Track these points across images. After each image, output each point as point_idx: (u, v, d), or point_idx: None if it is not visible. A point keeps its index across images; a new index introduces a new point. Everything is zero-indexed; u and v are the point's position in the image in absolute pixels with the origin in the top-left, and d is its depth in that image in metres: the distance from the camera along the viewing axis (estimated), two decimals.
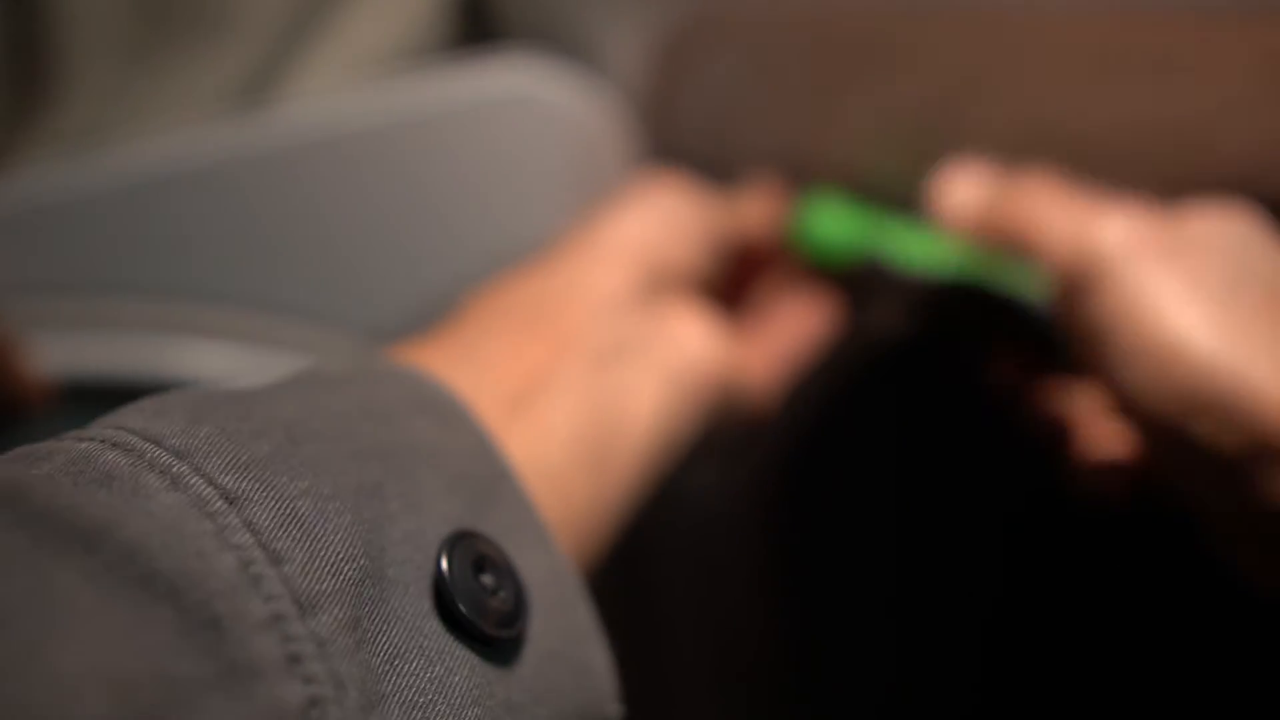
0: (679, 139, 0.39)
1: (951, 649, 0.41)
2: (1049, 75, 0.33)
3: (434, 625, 0.20)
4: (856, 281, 0.36)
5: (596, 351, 0.28)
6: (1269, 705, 0.36)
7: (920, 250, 0.35)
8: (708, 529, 0.43)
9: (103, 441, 0.19)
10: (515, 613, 0.21)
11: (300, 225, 0.36)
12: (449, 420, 0.23)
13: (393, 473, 0.21)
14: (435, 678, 0.19)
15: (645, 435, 0.28)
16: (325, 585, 0.18)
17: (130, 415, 0.20)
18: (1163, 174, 0.31)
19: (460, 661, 0.20)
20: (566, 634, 0.22)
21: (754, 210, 0.37)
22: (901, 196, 0.36)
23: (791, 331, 0.37)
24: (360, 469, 0.20)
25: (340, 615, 0.18)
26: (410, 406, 0.23)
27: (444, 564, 0.20)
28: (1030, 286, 0.33)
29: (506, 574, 0.21)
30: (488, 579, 0.21)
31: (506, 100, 0.36)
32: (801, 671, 0.43)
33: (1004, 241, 0.31)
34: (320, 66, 0.38)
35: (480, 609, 0.20)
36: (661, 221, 0.33)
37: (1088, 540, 0.38)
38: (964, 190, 0.32)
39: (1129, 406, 0.28)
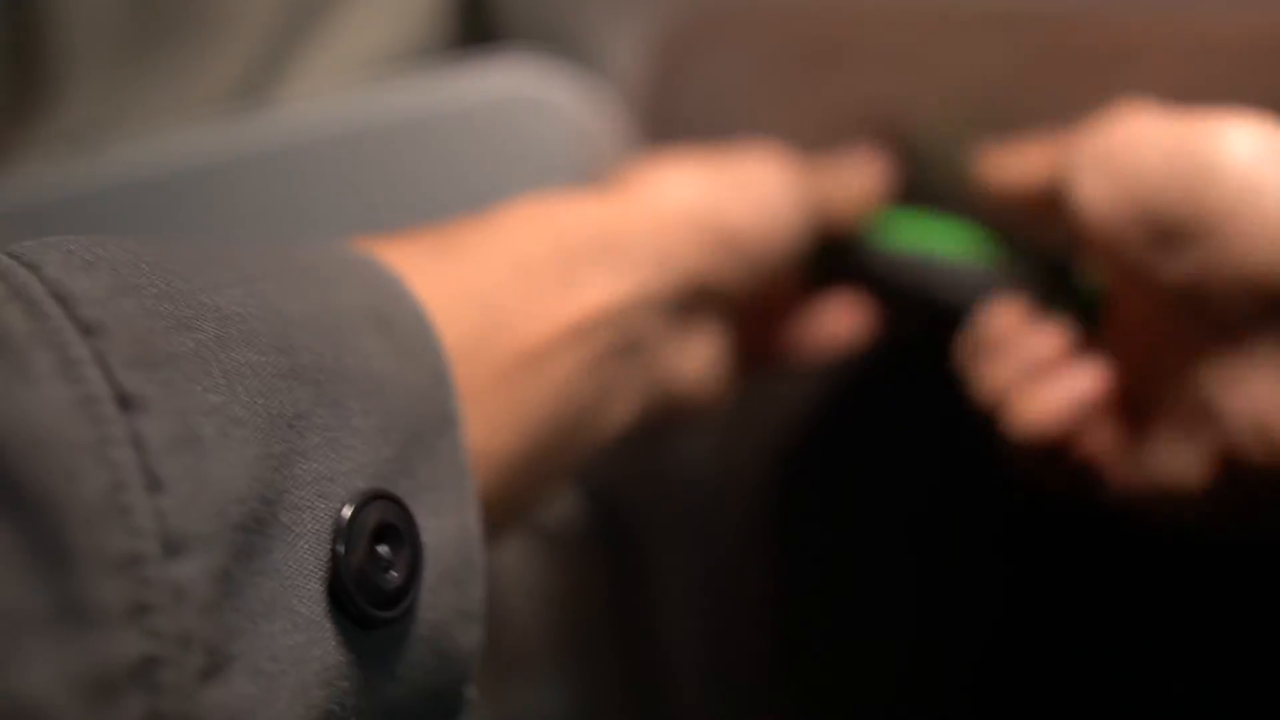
0: (679, 139, 0.38)
1: (956, 640, 0.41)
2: (1053, 73, 0.33)
3: (314, 588, 0.18)
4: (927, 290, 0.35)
5: (609, 346, 0.27)
6: (1268, 705, 0.36)
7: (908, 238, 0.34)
8: (708, 520, 0.43)
9: (7, 285, 0.16)
10: (403, 590, 0.19)
11: (299, 225, 0.36)
12: (409, 347, 0.21)
13: (324, 402, 0.19)
14: (294, 646, 0.17)
15: (603, 444, 0.27)
16: (203, 526, 0.16)
17: (54, 254, 0.17)
18: None
19: (325, 635, 0.18)
20: (450, 610, 0.20)
21: (854, 183, 0.34)
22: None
23: (810, 336, 0.35)
24: (288, 392, 0.18)
25: (211, 563, 0.16)
26: (368, 321, 0.20)
27: (344, 527, 0.18)
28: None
29: (406, 546, 0.19)
30: (384, 550, 0.19)
31: (506, 100, 0.36)
32: (801, 663, 0.43)
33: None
34: (319, 66, 0.38)
35: (366, 585, 0.18)
36: (747, 229, 0.30)
37: (1097, 532, 0.37)
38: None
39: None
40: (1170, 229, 0.26)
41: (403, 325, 0.21)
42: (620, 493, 0.40)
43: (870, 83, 0.35)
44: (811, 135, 0.37)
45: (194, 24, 0.36)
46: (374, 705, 0.19)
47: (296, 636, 0.17)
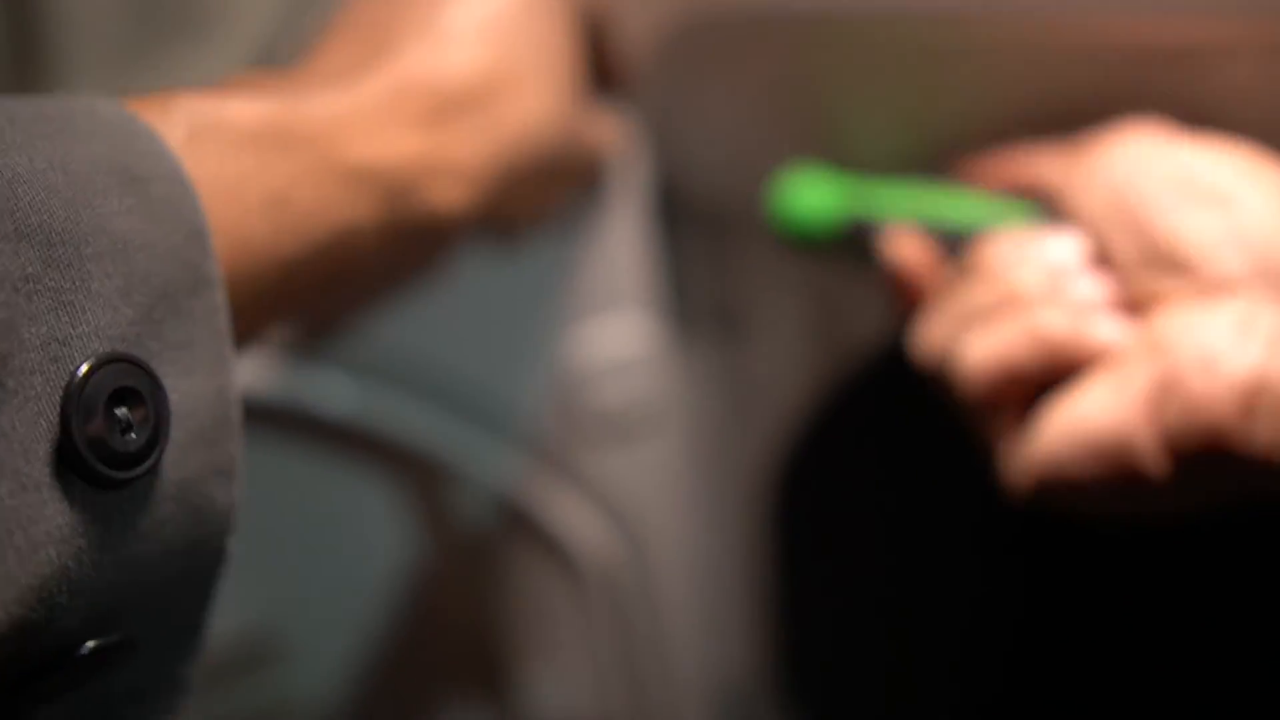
0: (679, 140, 0.38)
1: (959, 640, 0.41)
2: (1058, 75, 0.33)
3: (42, 451, 0.18)
4: (845, 248, 0.35)
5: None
6: (1272, 706, 0.36)
7: (913, 207, 0.34)
8: (708, 519, 0.42)
9: None
10: (144, 452, 0.19)
11: None
12: (161, 206, 0.21)
13: (55, 265, 0.19)
14: (20, 506, 0.18)
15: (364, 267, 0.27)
16: None
17: None
18: None
19: (55, 496, 0.18)
20: (202, 468, 0.21)
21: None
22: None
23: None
24: (13, 255, 0.18)
25: None
26: (113, 178, 0.20)
27: (75, 390, 0.18)
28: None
29: (149, 408, 0.19)
30: (122, 412, 0.19)
31: None
32: (801, 663, 0.43)
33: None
34: None
35: (101, 446, 0.19)
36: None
37: (1093, 539, 0.37)
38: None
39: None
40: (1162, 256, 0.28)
41: (156, 183, 0.21)
42: (620, 492, 0.40)
43: (868, 82, 0.35)
44: (811, 134, 0.37)
45: (192, 23, 0.36)
46: (121, 559, 0.19)
47: (25, 498, 0.18)
